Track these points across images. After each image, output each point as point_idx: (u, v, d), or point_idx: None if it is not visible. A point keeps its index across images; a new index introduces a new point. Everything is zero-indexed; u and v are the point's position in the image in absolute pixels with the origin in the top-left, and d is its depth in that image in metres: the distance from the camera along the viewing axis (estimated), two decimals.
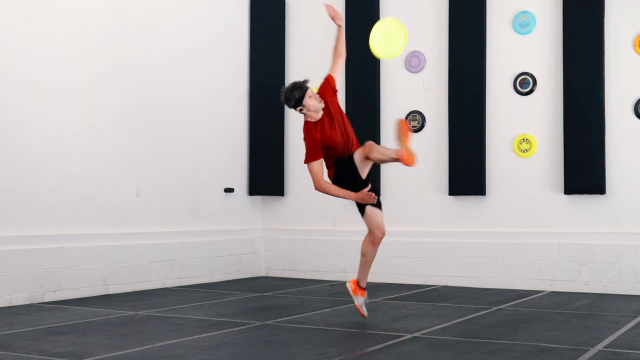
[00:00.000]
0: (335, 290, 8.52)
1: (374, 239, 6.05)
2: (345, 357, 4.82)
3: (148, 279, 8.56)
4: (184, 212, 9.13)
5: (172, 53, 9.02)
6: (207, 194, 9.49)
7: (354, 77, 9.60)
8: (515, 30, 8.85)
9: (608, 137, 8.30)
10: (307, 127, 5.93)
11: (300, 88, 5.93)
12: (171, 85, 8.99)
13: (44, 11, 7.61)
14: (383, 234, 6.04)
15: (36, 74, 7.54)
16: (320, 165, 5.94)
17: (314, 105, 5.92)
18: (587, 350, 5.02)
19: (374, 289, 8.58)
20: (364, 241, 6.13)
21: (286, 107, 10.09)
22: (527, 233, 8.66)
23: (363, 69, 9.54)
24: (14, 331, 5.79)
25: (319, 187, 5.93)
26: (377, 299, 7.72)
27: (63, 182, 7.76)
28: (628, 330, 5.83)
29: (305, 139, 5.93)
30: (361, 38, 9.57)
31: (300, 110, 5.92)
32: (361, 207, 6.02)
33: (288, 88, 6.01)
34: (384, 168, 9.46)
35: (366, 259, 6.15)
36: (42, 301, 7.41)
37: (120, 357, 4.85)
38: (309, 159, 5.90)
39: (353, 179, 5.92)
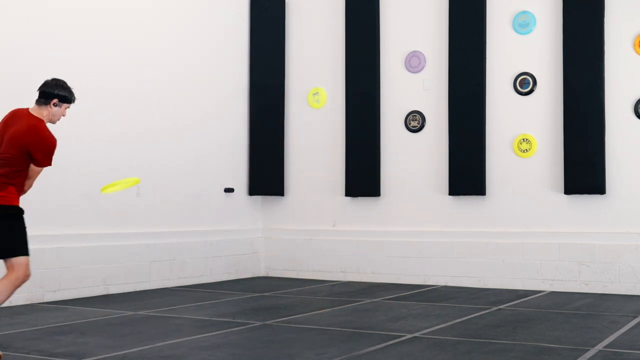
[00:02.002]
0: (335, 290, 8.52)
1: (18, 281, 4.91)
2: (345, 357, 4.82)
3: (148, 279, 8.56)
4: (184, 212, 9.13)
5: (172, 53, 9.02)
6: (207, 194, 9.48)
7: (354, 77, 9.60)
8: (515, 30, 8.85)
9: (608, 137, 8.30)
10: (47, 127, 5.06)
11: (70, 91, 5.20)
12: (171, 85, 8.99)
13: (46, 12, 7.61)
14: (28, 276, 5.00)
15: (36, 75, 7.53)
16: None
17: (60, 113, 5.17)
18: (587, 350, 5.02)
19: (374, 289, 8.59)
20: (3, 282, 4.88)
21: (286, 107, 10.12)
22: (527, 233, 8.66)
23: (363, 69, 9.54)
24: (14, 331, 5.79)
25: (27, 189, 5.08)
26: (377, 299, 7.73)
27: (63, 182, 7.76)
28: (628, 330, 5.82)
29: (50, 137, 4.98)
30: (361, 38, 9.59)
31: (55, 103, 5.07)
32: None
33: (68, 85, 5.23)
34: (384, 167, 9.46)
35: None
36: (42, 301, 7.41)
37: (120, 357, 4.85)
38: (51, 161, 5.03)
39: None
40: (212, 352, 4.97)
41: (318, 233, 9.83)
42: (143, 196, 8.62)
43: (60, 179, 7.70)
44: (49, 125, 5.09)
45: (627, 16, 8.29)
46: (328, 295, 8.13)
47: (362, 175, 9.50)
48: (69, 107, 5.22)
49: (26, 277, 4.91)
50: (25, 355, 4.91)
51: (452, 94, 9.04)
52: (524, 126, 8.77)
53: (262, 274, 10.16)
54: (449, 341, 5.39)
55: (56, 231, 7.64)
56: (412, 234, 9.27)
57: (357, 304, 7.40)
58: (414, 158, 9.35)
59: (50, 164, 5.02)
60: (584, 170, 8.30)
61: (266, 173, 10.03)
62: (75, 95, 5.28)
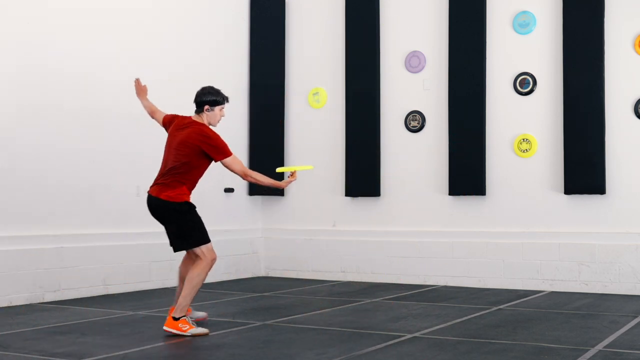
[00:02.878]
0: (335, 290, 8.52)
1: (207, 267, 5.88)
2: (345, 357, 4.82)
3: (148, 279, 8.56)
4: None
5: (172, 53, 9.02)
6: (207, 194, 9.46)
7: (354, 77, 9.60)
8: (515, 30, 8.85)
9: (608, 137, 8.30)
10: (210, 128, 5.83)
11: (217, 93, 5.91)
12: (171, 85, 8.98)
13: (46, 12, 7.61)
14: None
15: (36, 75, 7.54)
16: None
17: (217, 116, 5.90)
18: (587, 350, 5.02)
19: (374, 289, 8.59)
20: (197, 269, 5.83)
21: (286, 107, 10.12)
22: (527, 233, 8.66)
23: (363, 69, 9.54)
24: (14, 331, 5.79)
25: (249, 175, 5.86)
26: (377, 299, 7.73)
27: (63, 182, 7.76)
28: (628, 330, 5.83)
29: (213, 135, 5.71)
30: (361, 38, 9.59)
31: (207, 109, 5.84)
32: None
33: (216, 89, 5.95)
34: (384, 167, 9.47)
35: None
36: (42, 301, 7.41)
37: (120, 357, 4.85)
38: (229, 150, 5.72)
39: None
40: (212, 352, 4.97)
41: (318, 233, 9.83)
42: (143, 196, 8.61)
43: (60, 179, 7.71)
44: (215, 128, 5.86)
45: (627, 16, 8.29)
46: (328, 295, 8.13)
47: (362, 175, 9.50)
48: (223, 107, 5.91)
49: (213, 260, 5.76)
50: (25, 355, 4.91)
51: (452, 94, 9.04)
52: (524, 126, 8.77)
53: (262, 274, 10.16)
54: (449, 341, 5.39)
55: (56, 231, 7.64)
56: (412, 234, 9.27)
57: (357, 304, 7.40)
58: (414, 158, 9.35)
59: (230, 154, 5.68)
60: (584, 170, 8.30)
61: (266, 173, 9.98)
62: (226, 94, 5.94)
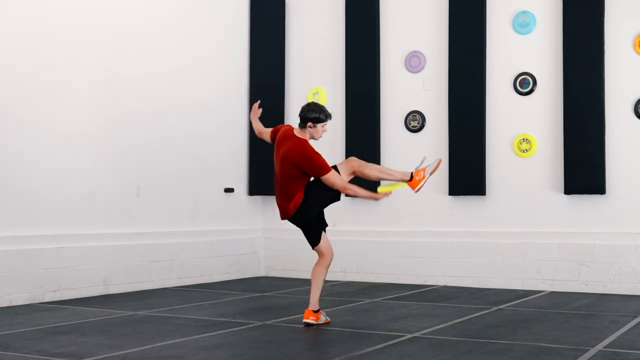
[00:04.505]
0: (335, 290, 8.52)
1: (328, 261, 6.52)
2: (345, 357, 4.82)
3: (148, 279, 8.56)
4: (184, 212, 9.13)
5: (172, 53, 9.02)
6: (207, 194, 9.48)
7: (354, 77, 9.60)
8: (515, 30, 8.85)
9: (608, 137, 8.30)
10: (309, 144, 6.13)
11: (320, 111, 6.14)
12: (171, 85, 8.99)
13: (46, 12, 7.61)
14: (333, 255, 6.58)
15: (36, 75, 7.54)
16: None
17: (319, 131, 6.18)
18: (587, 350, 5.02)
19: (374, 289, 8.59)
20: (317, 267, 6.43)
21: (286, 107, 10.12)
22: (527, 233, 8.66)
23: (363, 69, 9.54)
24: (14, 331, 5.79)
25: (348, 188, 6.13)
26: (377, 299, 7.73)
27: (63, 182, 7.76)
28: (628, 330, 5.83)
29: (311, 154, 6.02)
30: (361, 38, 9.59)
31: (310, 126, 6.09)
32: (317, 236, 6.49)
33: (320, 106, 6.18)
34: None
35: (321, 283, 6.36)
36: (42, 301, 7.41)
37: (120, 357, 4.85)
38: (327, 166, 6.02)
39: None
40: (212, 352, 4.97)
41: None
42: (143, 196, 8.62)
43: (60, 179, 7.71)
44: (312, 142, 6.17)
45: (627, 16, 8.29)
46: (328, 295, 8.13)
47: None
48: (326, 124, 6.15)
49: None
50: (25, 355, 4.91)
51: (452, 94, 9.04)
52: (524, 126, 8.77)
53: (262, 274, 10.15)
54: (449, 341, 5.39)
55: (56, 231, 7.64)
56: (412, 234, 9.27)
57: (357, 304, 7.40)
58: (414, 158, 9.33)
59: (329, 169, 5.96)
60: (584, 170, 8.30)
61: (266, 173, 10.00)
62: (329, 112, 6.17)
